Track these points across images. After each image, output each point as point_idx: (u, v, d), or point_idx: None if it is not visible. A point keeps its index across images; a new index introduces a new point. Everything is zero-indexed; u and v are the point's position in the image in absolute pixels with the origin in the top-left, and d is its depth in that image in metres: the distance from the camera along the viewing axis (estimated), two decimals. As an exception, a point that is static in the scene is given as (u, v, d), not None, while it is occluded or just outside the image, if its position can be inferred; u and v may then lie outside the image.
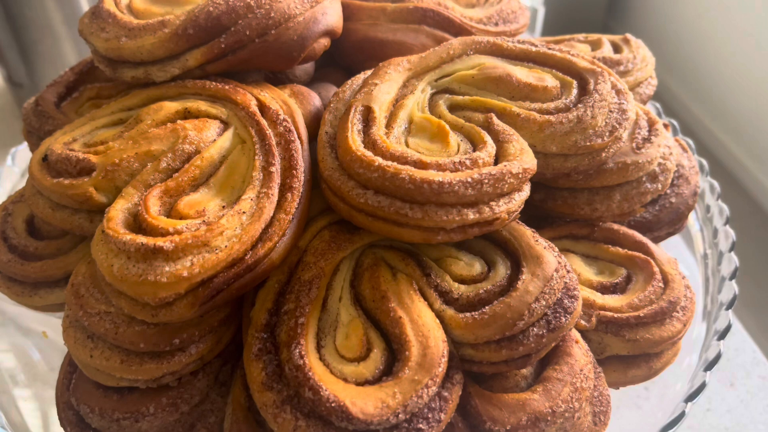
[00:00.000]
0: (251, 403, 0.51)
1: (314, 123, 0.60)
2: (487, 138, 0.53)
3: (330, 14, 0.63)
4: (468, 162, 0.50)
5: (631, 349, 0.56)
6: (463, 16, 0.72)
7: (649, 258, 0.61)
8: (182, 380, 0.51)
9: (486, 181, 0.48)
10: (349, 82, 0.61)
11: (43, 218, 0.54)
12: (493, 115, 0.55)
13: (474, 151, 0.52)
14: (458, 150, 0.53)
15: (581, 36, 0.76)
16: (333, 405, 0.44)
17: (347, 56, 0.71)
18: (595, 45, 0.74)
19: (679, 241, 0.77)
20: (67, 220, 0.53)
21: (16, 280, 0.56)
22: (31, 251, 0.56)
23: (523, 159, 0.51)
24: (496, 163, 0.52)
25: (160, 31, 0.58)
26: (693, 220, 0.77)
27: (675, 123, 0.81)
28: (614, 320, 0.56)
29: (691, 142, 0.76)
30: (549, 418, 0.49)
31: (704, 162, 0.76)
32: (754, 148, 2.24)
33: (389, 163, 0.49)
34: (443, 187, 0.47)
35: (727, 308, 0.62)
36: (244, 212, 0.48)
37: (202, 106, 0.57)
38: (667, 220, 0.67)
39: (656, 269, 0.60)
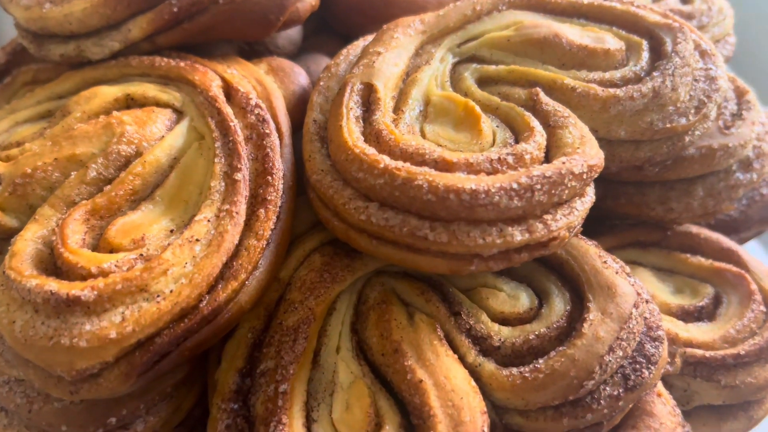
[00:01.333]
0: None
1: (299, 108, 0.46)
2: (534, 122, 0.38)
3: (315, -35, 0.49)
4: (510, 159, 0.35)
5: (727, 398, 0.43)
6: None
7: (742, 271, 0.46)
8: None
9: (538, 186, 0.34)
10: (344, 51, 0.47)
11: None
12: (539, 90, 0.41)
13: (516, 141, 0.38)
14: (494, 141, 0.38)
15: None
16: None
17: (343, 20, 0.57)
18: (658, -6, 0.58)
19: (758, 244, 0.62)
20: (-31, 247, 0.39)
21: None
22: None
23: (586, 151, 0.37)
24: (547, 158, 0.37)
25: (93, -7, 0.44)
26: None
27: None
28: (706, 360, 0.42)
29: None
30: None
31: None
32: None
33: (399, 163, 0.35)
34: (477, 197, 0.33)
35: None
36: (197, 240, 0.34)
37: (150, 90, 0.43)
38: (757, 218, 0.52)
39: (754, 287, 0.45)
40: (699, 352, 0.42)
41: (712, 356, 0.42)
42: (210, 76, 0.43)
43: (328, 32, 0.59)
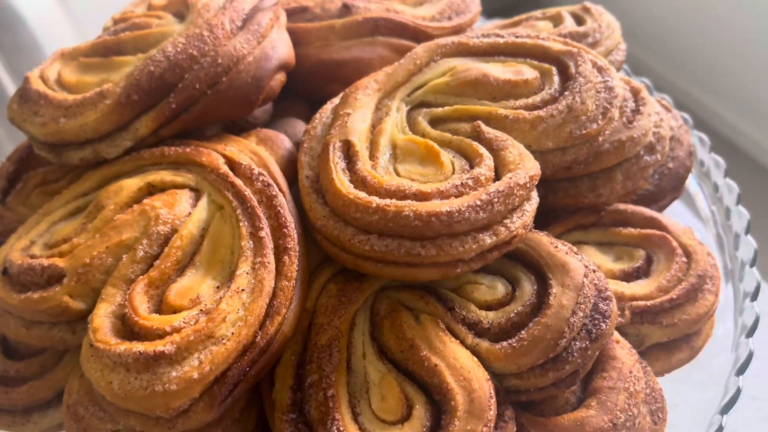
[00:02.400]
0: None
1: (289, 167, 0.55)
2: (482, 150, 0.49)
3: (280, 46, 0.58)
4: (470, 182, 0.46)
5: (670, 334, 0.54)
6: (416, 17, 0.68)
7: (664, 233, 0.58)
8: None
9: (496, 200, 0.44)
10: (318, 115, 0.57)
11: (17, 339, 0.48)
12: (480, 122, 0.51)
13: (471, 167, 0.48)
14: (453, 169, 0.49)
15: (538, 12, 0.73)
16: (388, 482, 0.40)
17: (304, 84, 0.66)
18: (556, 20, 0.70)
19: (678, 205, 0.74)
20: (45, 337, 0.47)
21: (3, 410, 0.50)
22: (12, 375, 0.51)
23: (526, 165, 0.47)
24: (497, 175, 0.48)
25: (102, 104, 0.53)
26: (689, 180, 0.74)
27: (647, 82, 0.78)
28: (648, 309, 0.53)
29: (668, 98, 0.74)
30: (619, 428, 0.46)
31: (688, 117, 0.73)
32: (735, 100, 2.10)
33: (388, 201, 0.45)
34: (453, 216, 0.43)
35: (751, 265, 0.60)
36: (243, 290, 0.43)
37: (166, 176, 0.51)
38: (669, 188, 0.64)
39: (675, 244, 0.57)
40: (642, 303, 0.53)
41: (653, 304, 0.53)
42: (214, 156, 0.52)
43: (291, 97, 0.68)
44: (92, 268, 0.46)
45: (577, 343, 0.46)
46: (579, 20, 0.70)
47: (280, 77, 0.59)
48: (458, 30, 0.70)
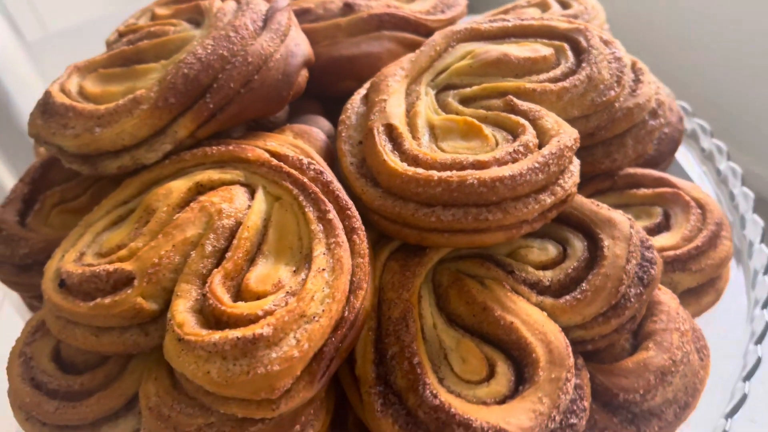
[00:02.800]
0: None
1: (328, 158, 0.56)
2: (522, 120, 0.52)
3: (301, 43, 0.60)
4: (521, 149, 0.49)
5: (699, 279, 0.58)
6: (413, 12, 0.70)
7: (676, 189, 0.62)
8: (303, 466, 0.47)
9: (551, 161, 0.47)
10: (348, 106, 0.58)
11: (86, 348, 0.47)
12: (511, 96, 0.54)
13: (514, 137, 0.51)
14: (496, 141, 0.51)
15: (523, 1, 0.77)
16: (491, 432, 0.42)
17: (316, 82, 0.67)
18: (543, 6, 0.75)
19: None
20: (117, 343, 0.46)
21: (71, 426, 0.49)
22: (77, 389, 0.49)
23: (566, 130, 0.51)
24: (540, 143, 0.51)
25: (138, 109, 0.53)
26: (692, 165, 0.78)
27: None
28: (678, 257, 0.57)
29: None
30: (673, 369, 0.49)
31: (669, 90, 0.79)
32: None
33: (449, 173, 0.47)
34: (516, 180, 0.46)
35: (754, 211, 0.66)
36: (323, 269, 0.44)
37: (214, 175, 0.52)
38: (667, 151, 0.69)
39: (688, 198, 0.61)
40: (671, 252, 0.57)
41: (682, 253, 0.57)
42: (258, 151, 0.53)
43: (303, 96, 0.69)
44: (161, 267, 0.46)
45: (632, 289, 0.49)
46: (564, 5, 0.75)
47: (305, 73, 0.60)
48: (452, 22, 0.73)
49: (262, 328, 0.41)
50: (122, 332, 0.47)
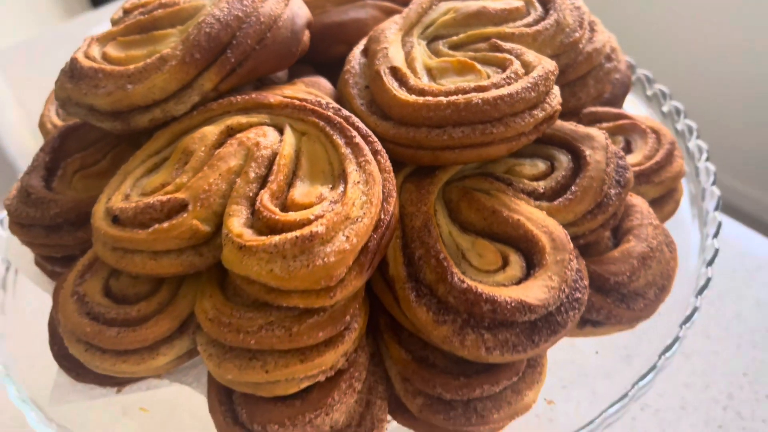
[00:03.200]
0: (414, 354, 0.55)
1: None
2: (507, 55, 0.60)
3: (302, 6, 0.67)
4: (513, 75, 0.57)
5: (661, 190, 0.68)
6: (391, -17, 0.78)
7: (633, 120, 0.72)
8: (349, 360, 0.53)
9: (539, 82, 0.56)
10: (350, 58, 0.66)
11: (146, 272, 0.52)
12: (495, 39, 0.63)
13: (503, 70, 0.60)
14: (488, 75, 0.60)
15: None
16: (513, 304, 0.49)
17: (309, 49, 0.75)
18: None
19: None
20: (175, 264, 0.52)
21: (131, 351, 0.54)
22: (135, 316, 0.54)
23: (546, 60, 0.59)
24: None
25: (167, 66, 0.58)
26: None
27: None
28: (643, 172, 0.66)
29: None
30: (651, 255, 0.58)
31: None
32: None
33: (456, 96, 0.55)
34: (513, 97, 0.54)
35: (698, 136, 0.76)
36: (358, 182, 0.51)
37: (242, 119, 0.58)
38: (620, 93, 0.79)
39: (644, 126, 0.71)
40: (636, 168, 0.67)
41: (645, 168, 0.67)
42: (279, 97, 0.59)
43: (297, 63, 0.76)
44: (211, 193, 0.52)
45: (612, 190, 0.58)
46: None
47: (308, 33, 0.67)
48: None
49: (317, 227, 0.47)
50: (179, 254, 0.52)
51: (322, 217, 0.48)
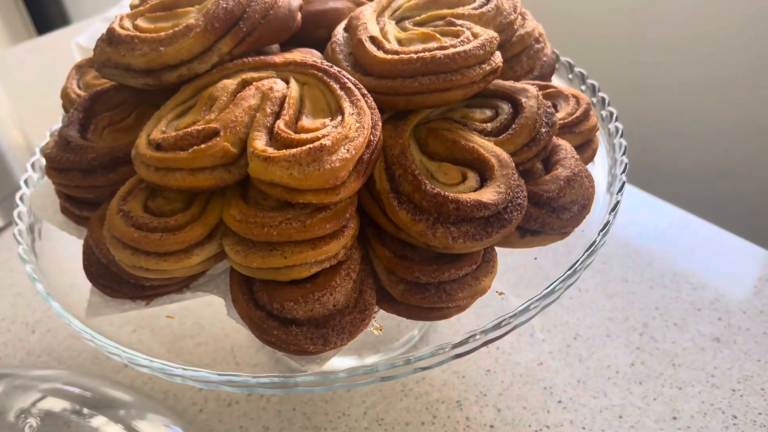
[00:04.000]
0: (395, 253, 0.70)
1: (327, 67, 0.79)
2: (461, 28, 0.78)
3: (295, -7, 0.83)
4: (465, 40, 0.74)
5: (581, 139, 0.86)
6: (361, -18, 0.96)
7: (558, 88, 0.91)
8: (346, 254, 0.68)
9: (486, 44, 0.73)
10: (335, 33, 0.82)
11: (185, 186, 0.65)
12: (450, 18, 0.80)
13: (458, 38, 0.77)
14: (446, 42, 0.77)
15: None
16: (472, 203, 0.66)
17: (297, 32, 0.90)
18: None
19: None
20: (209, 178, 0.65)
21: (170, 252, 0.67)
22: (173, 224, 0.67)
23: (490, 31, 0.77)
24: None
25: (192, 32, 0.73)
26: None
27: None
28: (566, 124, 0.85)
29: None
30: (574, 178, 0.76)
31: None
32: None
33: (423, 53, 0.71)
34: (468, 53, 0.71)
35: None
36: (352, 114, 0.67)
37: (253, 75, 0.73)
38: (548, 72, 0.98)
39: (567, 92, 0.90)
40: (561, 122, 0.85)
41: (567, 121, 0.85)
42: (282, 58, 0.75)
43: (286, 44, 0.92)
44: (237, 123, 0.66)
45: (543, 129, 0.75)
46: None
47: (300, 13, 0.83)
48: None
49: (325, 141, 0.62)
50: (212, 171, 0.66)
51: (327, 136, 0.63)
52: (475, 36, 0.77)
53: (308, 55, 0.79)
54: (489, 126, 0.75)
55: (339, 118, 0.67)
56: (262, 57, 0.75)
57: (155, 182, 0.67)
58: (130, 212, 0.69)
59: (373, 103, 0.70)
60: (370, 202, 0.70)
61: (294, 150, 0.62)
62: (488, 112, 0.77)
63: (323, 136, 0.63)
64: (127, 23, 0.77)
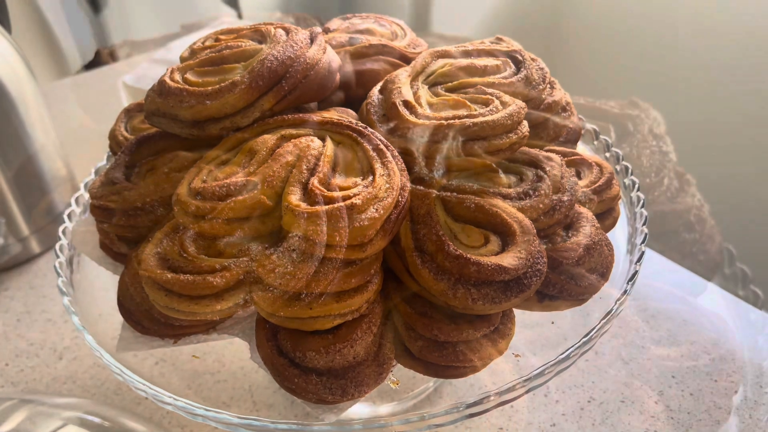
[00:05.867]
0: (416, 310, 0.72)
1: (361, 127, 0.83)
2: (491, 96, 0.81)
3: (335, 55, 0.88)
4: (495, 109, 0.78)
5: (602, 207, 0.88)
6: (399, 46, 1.00)
7: (582, 156, 0.94)
8: (369, 308, 0.71)
9: (514, 113, 0.77)
10: (371, 95, 0.86)
11: (220, 234, 0.69)
12: (481, 86, 0.84)
13: (487, 106, 0.81)
14: (476, 109, 0.80)
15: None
16: (493, 267, 0.68)
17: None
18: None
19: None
20: (243, 228, 0.69)
21: (202, 296, 0.70)
22: (205, 269, 0.71)
23: (519, 101, 0.81)
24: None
25: (237, 88, 0.78)
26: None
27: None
28: (588, 191, 0.87)
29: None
30: (595, 246, 0.78)
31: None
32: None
33: (453, 120, 0.75)
34: (495, 122, 0.75)
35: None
36: (382, 175, 0.70)
37: (292, 131, 0.77)
38: (573, 139, 1.01)
39: (590, 160, 0.93)
40: (584, 189, 0.87)
41: (589, 189, 0.87)
42: (320, 117, 0.79)
43: (323, 100, 0.96)
44: (274, 178, 0.70)
45: (565, 197, 0.78)
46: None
47: (338, 76, 0.88)
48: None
49: (355, 200, 0.66)
50: (244, 221, 0.70)
51: (358, 195, 0.67)
52: (504, 105, 0.80)
53: (344, 115, 0.83)
54: (513, 191, 0.78)
55: (370, 178, 0.70)
56: (301, 115, 0.79)
57: (193, 228, 0.71)
58: (166, 255, 0.73)
59: (403, 165, 0.74)
60: (394, 258, 0.73)
61: (326, 207, 0.66)
62: (513, 178, 0.81)
63: (354, 195, 0.67)
64: (177, 76, 0.82)
